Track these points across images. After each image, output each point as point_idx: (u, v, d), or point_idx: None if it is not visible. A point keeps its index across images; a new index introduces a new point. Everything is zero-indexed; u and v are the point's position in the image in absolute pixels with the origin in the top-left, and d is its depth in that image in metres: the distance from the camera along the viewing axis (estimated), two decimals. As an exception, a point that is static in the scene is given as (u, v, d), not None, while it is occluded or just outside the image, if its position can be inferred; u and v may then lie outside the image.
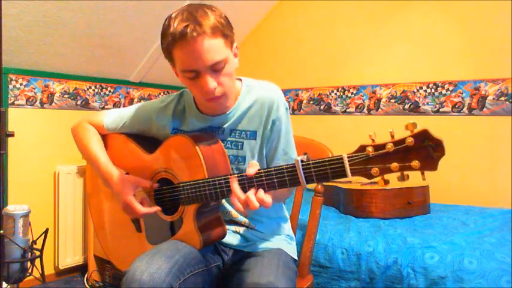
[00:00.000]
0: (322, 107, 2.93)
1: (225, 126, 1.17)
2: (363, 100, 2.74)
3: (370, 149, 0.83)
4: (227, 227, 1.17)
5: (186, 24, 0.98)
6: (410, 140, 0.79)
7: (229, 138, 1.17)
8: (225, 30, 1.03)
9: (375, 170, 0.83)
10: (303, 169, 0.91)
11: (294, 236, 1.36)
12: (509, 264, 1.43)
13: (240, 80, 1.21)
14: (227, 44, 1.04)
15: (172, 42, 1.01)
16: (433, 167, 0.79)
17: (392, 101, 2.63)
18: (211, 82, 1.03)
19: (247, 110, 1.16)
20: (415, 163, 0.79)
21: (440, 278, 1.48)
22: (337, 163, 0.87)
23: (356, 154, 0.85)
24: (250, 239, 1.22)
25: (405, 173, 0.82)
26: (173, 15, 1.03)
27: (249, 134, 1.17)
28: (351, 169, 0.85)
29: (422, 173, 0.81)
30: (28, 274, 1.85)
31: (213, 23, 1.00)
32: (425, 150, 0.78)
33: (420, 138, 0.79)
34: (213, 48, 1.00)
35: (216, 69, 1.03)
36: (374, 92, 2.70)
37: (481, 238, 1.65)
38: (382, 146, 0.82)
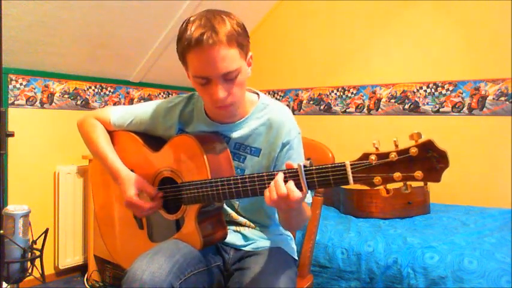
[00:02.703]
0: (322, 107, 2.93)
1: (230, 136, 1.17)
2: (363, 100, 2.74)
3: (373, 157, 0.82)
4: (228, 226, 1.18)
5: (203, 31, 0.97)
6: (414, 150, 0.78)
7: (232, 150, 1.17)
8: (240, 39, 1.02)
9: (377, 178, 0.82)
10: (306, 175, 0.90)
11: (293, 236, 1.36)
12: (509, 264, 1.43)
13: (258, 94, 1.21)
14: (242, 54, 1.04)
15: (187, 47, 1.00)
16: (437, 179, 0.78)
17: (392, 101, 2.63)
18: (221, 91, 1.03)
19: (256, 127, 1.16)
20: (418, 174, 0.78)
21: (440, 278, 1.48)
22: (339, 170, 0.86)
23: (359, 162, 0.84)
24: (251, 238, 1.22)
25: (408, 183, 0.81)
26: (191, 19, 1.02)
27: (253, 151, 1.17)
28: (353, 177, 0.84)
29: (425, 184, 0.80)
30: (28, 274, 1.86)
31: (229, 31, 0.99)
32: (429, 161, 0.78)
33: (424, 148, 0.78)
34: (227, 57, 1.00)
35: (228, 78, 1.02)
36: (374, 92, 2.70)
37: (481, 238, 1.65)
38: (386, 155, 0.81)
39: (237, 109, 1.12)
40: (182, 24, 1.04)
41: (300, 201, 0.93)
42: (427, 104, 2.49)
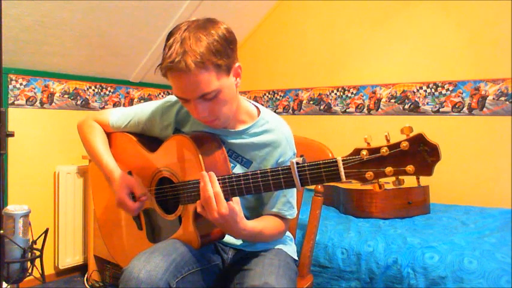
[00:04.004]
0: (322, 107, 2.93)
1: (225, 141, 1.16)
2: (363, 100, 2.74)
3: (364, 152, 0.82)
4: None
5: (174, 58, 0.96)
6: (405, 144, 0.78)
7: None
8: (217, 60, 0.98)
9: (369, 174, 0.82)
10: (298, 171, 0.90)
11: (293, 237, 1.36)
12: (509, 264, 1.43)
13: (258, 109, 1.20)
14: (220, 73, 1.01)
15: (162, 68, 1.01)
16: (428, 172, 0.78)
17: (392, 101, 2.62)
18: (201, 111, 1.03)
19: (252, 141, 1.16)
20: (410, 168, 0.78)
21: (440, 278, 1.48)
22: (331, 166, 0.86)
23: (351, 157, 0.84)
24: (250, 239, 1.22)
25: (400, 177, 0.81)
26: (173, 33, 1.01)
27: (245, 161, 1.17)
28: (345, 172, 0.85)
29: (418, 178, 0.80)
30: (28, 274, 1.85)
31: (203, 54, 0.96)
32: (420, 155, 0.78)
33: (415, 142, 0.78)
34: (200, 82, 0.98)
35: (206, 98, 1.02)
36: (374, 92, 2.70)
37: (481, 238, 1.65)
38: (377, 150, 0.81)
39: (225, 122, 1.12)
40: (166, 36, 1.03)
41: (229, 218, 0.97)
42: (427, 104, 2.49)
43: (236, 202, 0.99)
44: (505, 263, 1.44)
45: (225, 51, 1.01)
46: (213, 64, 0.99)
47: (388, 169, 0.80)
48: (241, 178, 0.98)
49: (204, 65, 0.97)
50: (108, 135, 1.32)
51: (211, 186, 0.97)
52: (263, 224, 1.13)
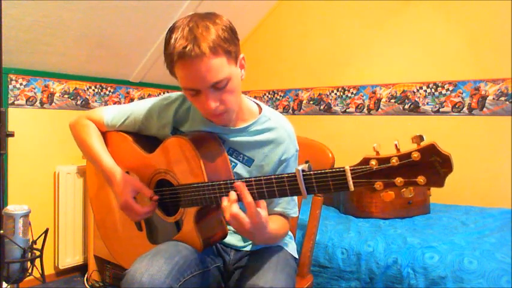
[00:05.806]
0: (322, 107, 2.93)
1: (226, 139, 1.15)
2: (363, 100, 2.74)
3: (374, 162, 0.79)
4: (228, 227, 1.17)
5: (185, 45, 0.94)
6: (416, 155, 0.75)
7: None
8: (227, 46, 0.98)
9: (378, 184, 0.80)
10: (304, 180, 0.88)
11: (293, 235, 1.36)
12: (509, 264, 1.43)
13: (260, 106, 1.19)
14: (230, 60, 1.00)
15: (172, 60, 0.98)
16: (440, 184, 0.75)
17: (392, 101, 2.62)
18: (212, 101, 1.00)
19: (254, 138, 1.14)
20: (421, 179, 0.76)
21: (440, 278, 1.48)
22: (339, 175, 0.83)
23: (359, 167, 0.81)
24: (250, 239, 1.22)
25: (411, 187, 0.79)
26: (176, 26, 0.99)
27: (246, 160, 1.15)
28: (353, 182, 0.82)
29: (428, 189, 0.79)
30: (28, 274, 1.85)
31: (213, 40, 0.95)
32: (432, 165, 0.75)
33: (427, 153, 0.75)
34: (214, 68, 0.97)
35: (217, 87, 1.00)
36: (374, 92, 2.70)
37: (481, 238, 1.65)
38: (387, 160, 0.78)
39: (232, 115, 1.09)
40: (167, 32, 1.01)
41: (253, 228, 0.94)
42: (427, 104, 2.49)
43: (264, 207, 0.96)
44: (505, 263, 1.44)
45: (232, 39, 1.01)
46: (224, 50, 0.98)
47: (399, 180, 0.78)
48: (245, 183, 0.96)
49: (216, 50, 0.96)
50: (104, 134, 1.27)
51: (243, 197, 0.94)
52: (277, 226, 1.11)
